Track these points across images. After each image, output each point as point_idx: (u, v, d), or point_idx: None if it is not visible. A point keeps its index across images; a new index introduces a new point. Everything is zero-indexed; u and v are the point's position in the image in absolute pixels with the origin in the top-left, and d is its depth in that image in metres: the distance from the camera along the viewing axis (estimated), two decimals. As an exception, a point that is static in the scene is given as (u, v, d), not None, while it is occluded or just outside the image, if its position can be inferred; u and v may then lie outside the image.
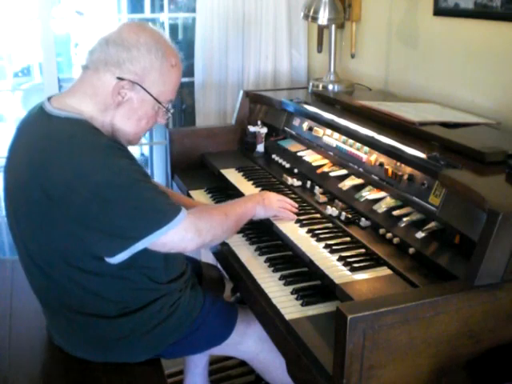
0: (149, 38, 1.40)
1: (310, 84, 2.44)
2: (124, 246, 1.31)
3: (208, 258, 2.65)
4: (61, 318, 1.48)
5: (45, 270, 1.40)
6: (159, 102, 1.45)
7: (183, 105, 3.82)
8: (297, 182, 1.93)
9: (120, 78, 1.38)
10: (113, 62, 1.38)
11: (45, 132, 1.36)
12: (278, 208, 1.67)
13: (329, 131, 1.97)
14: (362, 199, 1.66)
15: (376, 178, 1.68)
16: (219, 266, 2.05)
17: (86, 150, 1.30)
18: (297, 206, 1.74)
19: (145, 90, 1.41)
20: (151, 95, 1.42)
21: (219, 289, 1.95)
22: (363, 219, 1.59)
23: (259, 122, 2.33)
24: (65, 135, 1.32)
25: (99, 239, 1.31)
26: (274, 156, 2.20)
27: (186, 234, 1.37)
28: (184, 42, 3.98)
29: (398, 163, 1.60)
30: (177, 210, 1.35)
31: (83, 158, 1.28)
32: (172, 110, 1.54)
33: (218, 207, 1.56)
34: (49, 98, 1.43)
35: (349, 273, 1.38)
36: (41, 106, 1.41)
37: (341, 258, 1.43)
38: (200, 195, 2.09)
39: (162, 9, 3.87)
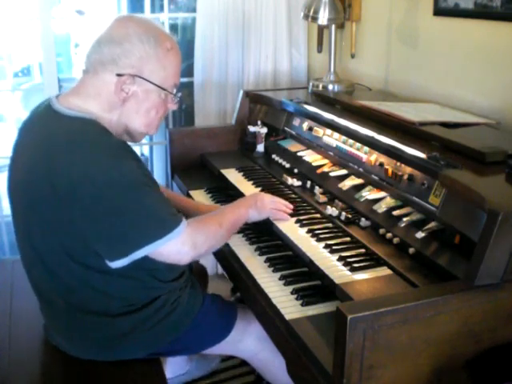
0: (138, 28, 1.40)
1: (310, 84, 2.44)
2: (123, 253, 1.32)
3: (208, 258, 2.65)
4: (61, 317, 1.49)
5: (51, 267, 1.40)
6: (164, 89, 1.45)
7: (183, 105, 3.81)
8: (297, 182, 1.93)
9: (119, 75, 1.39)
10: (108, 61, 1.38)
11: (55, 130, 1.36)
12: (270, 209, 1.67)
13: (329, 131, 1.97)
14: (362, 199, 1.66)
15: (376, 178, 1.68)
16: (213, 263, 2.08)
17: (96, 149, 1.31)
18: (292, 206, 1.72)
19: (146, 80, 1.41)
20: (154, 84, 1.43)
21: (203, 282, 2.01)
22: (363, 219, 1.59)
23: (259, 122, 2.33)
24: (76, 134, 1.33)
25: (100, 242, 1.32)
26: (273, 156, 2.20)
27: (183, 246, 1.38)
28: (184, 41, 3.97)
29: (398, 163, 1.60)
30: (177, 221, 1.36)
31: (93, 157, 1.29)
32: (180, 94, 1.53)
33: (212, 217, 1.54)
34: (56, 97, 1.44)
35: (349, 273, 1.38)
36: (48, 104, 1.42)
37: (341, 258, 1.43)
38: (200, 195, 2.09)
39: (161, 9, 3.87)
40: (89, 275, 1.39)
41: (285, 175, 1.99)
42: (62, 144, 1.32)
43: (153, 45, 1.40)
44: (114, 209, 1.29)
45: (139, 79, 1.41)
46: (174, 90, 1.50)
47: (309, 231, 1.60)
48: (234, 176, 2.10)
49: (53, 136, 1.35)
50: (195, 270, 1.94)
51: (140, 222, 1.31)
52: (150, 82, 1.42)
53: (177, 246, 1.36)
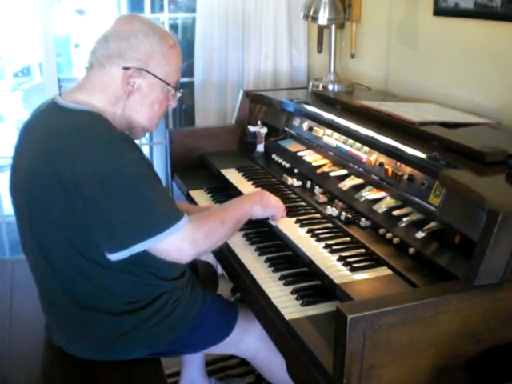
0: (143, 25, 1.46)
1: (310, 84, 2.44)
2: (122, 246, 1.32)
3: (208, 257, 2.65)
4: (63, 315, 1.49)
5: (54, 262, 1.41)
6: (168, 84, 1.49)
7: (183, 105, 3.81)
8: (297, 182, 1.93)
9: (126, 68, 1.42)
10: (116, 55, 1.42)
11: (61, 123, 1.39)
12: (276, 208, 1.67)
13: (329, 131, 1.97)
14: (362, 199, 1.66)
15: (376, 178, 1.68)
16: (213, 263, 2.08)
17: (101, 141, 1.33)
18: (284, 215, 1.70)
19: (151, 73, 1.45)
20: (158, 78, 1.47)
21: (213, 285, 2.02)
22: (363, 219, 1.59)
23: (259, 122, 2.33)
24: (81, 126, 1.36)
25: (101, 233, 1.33)
26: (274, 156, 2.20)
27: (183, 243, 1.37)
28: (184, 41, 3.97)
29: (398, 163, 1.60)
30: (178, 216, 1.36)
31: (98, 148, 1.31)
32: (181, 90, 1.58)
33: (215, 214, 1.52)
34: (59, 94, 1.47)
35: (349, 273, 1.38)
36: (52, 102, 1.45)
37: (341, 258, 1.43)
38: (200, 195, 2.09)
39: (161, 9, 3.87)
40: (91, 269, 1.39)
41: (285, 175, 1.99)
42: (67, 137, 1.34)
43: (158, 41, 1.45)
44: (116, 199, 1.30)
45: (145, 72, 1.44)
46: (177, 86, 1.54)
47: (309, 231, 1.60)
48: (233, 176, 2.10)
49: (58, 129, 1.37)
50: (203, 270, 1.95)
51: (141, 215, 1.31)
52: (155, 76, 1.46)
53: (177, 242, 1.36)
